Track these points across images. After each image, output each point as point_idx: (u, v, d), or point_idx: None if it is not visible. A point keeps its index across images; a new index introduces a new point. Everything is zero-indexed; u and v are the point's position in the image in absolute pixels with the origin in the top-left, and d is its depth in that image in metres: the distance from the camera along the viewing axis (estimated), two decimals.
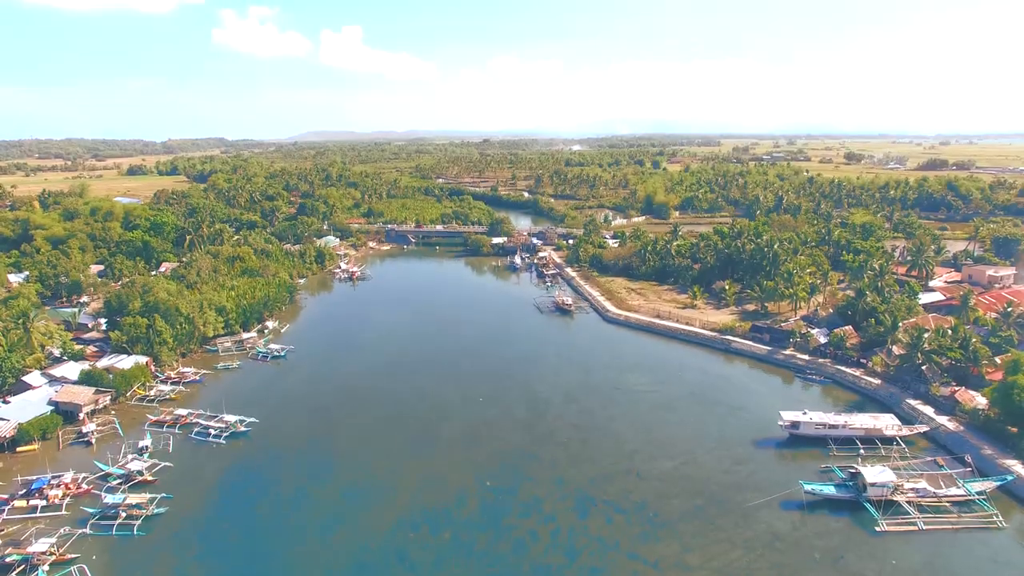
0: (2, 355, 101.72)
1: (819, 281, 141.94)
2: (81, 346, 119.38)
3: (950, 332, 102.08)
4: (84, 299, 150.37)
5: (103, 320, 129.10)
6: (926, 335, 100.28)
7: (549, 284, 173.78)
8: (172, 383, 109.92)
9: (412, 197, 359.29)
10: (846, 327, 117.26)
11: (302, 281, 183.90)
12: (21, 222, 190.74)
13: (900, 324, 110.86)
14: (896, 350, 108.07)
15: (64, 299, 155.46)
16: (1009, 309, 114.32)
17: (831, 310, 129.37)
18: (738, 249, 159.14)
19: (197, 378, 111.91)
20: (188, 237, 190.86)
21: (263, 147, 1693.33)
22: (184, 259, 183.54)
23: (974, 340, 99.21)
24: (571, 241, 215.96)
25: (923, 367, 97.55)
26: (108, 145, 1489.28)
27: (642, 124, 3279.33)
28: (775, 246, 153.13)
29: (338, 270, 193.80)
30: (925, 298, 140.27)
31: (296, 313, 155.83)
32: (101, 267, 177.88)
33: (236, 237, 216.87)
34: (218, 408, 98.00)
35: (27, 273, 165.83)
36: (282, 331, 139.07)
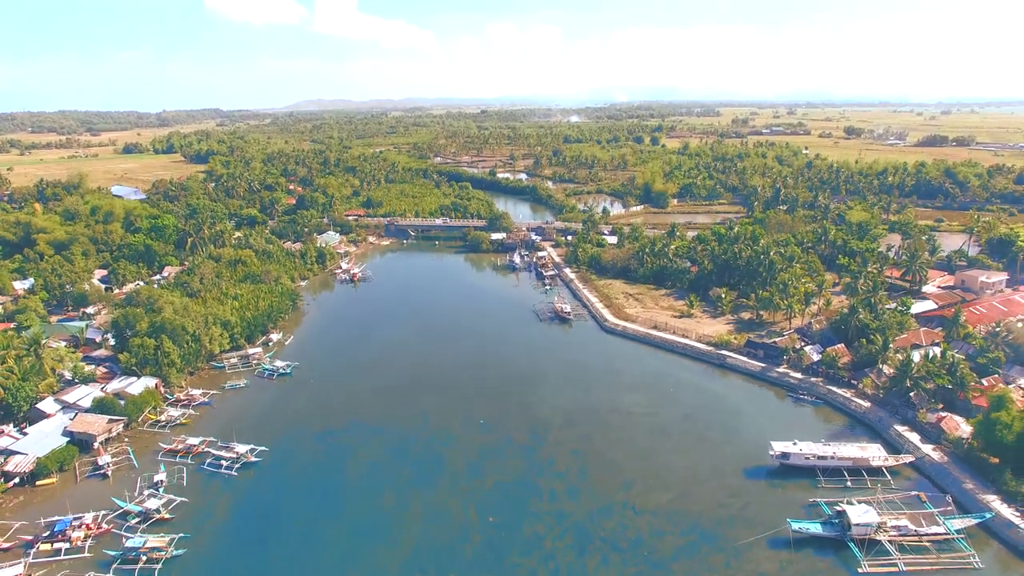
0: (16, 384, 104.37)
1: (814, 290, 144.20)
2: (91, 367, 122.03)
3: (939, 357, 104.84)
4: (90, 310, 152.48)
5: (111, 337, 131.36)
6: (915, 362, 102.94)
7: (548, 287, 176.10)
8: (182, 406, 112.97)
9: (410, 182, 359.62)
10: (838, 346, 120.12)
11: (304, 283, 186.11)
12: (23, 225, 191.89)
13: (891, 344, 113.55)
14: (886, 370, 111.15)
15: (69, 307, 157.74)
16: (997, 329, 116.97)
17: (825, 323, 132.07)
18: (735, 255, 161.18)
19: (206, 400, 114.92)
20: (189, 239, 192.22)
21: (258, 117, 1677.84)
22: (187, 262, 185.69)
23: (961, 366, 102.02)
24: (570, 237, 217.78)
25: (911, 393, 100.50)
26: (102, 118, 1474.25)
27: (641, 91, 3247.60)
28: (771, 253, 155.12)
29: (339, 270, 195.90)
30: (917, 307, 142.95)
31: (299, 320, 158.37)
32: (104, 272, 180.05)
33: (237, 235, 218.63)
34: (228, 435, 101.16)
35: (32, 280, 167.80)
36: (286, 343, 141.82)
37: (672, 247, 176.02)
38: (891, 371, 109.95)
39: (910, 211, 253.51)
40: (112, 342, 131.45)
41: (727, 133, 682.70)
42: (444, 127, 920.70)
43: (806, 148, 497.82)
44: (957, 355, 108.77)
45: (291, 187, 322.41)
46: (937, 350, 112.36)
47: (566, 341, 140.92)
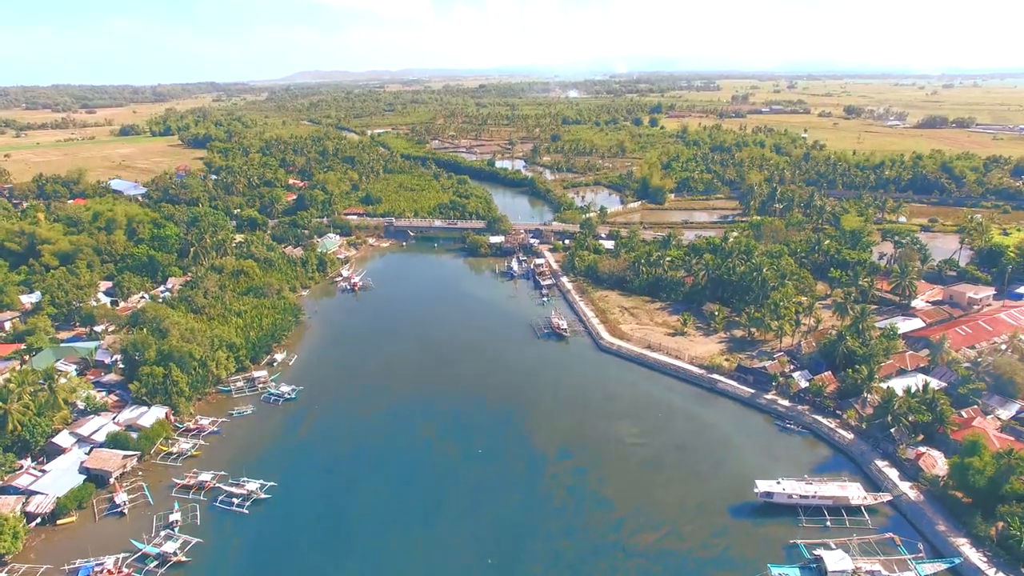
0: (33, 420, 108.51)
1: (804, 309, 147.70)
2: (103, 395, 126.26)
3: (920, 391, 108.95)
4: (99, 328, 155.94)
5: (120, 361, 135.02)
6: (896, 397, 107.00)
7: (545, 297, 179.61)
8: (192, 436, 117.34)
9: (409, 172, 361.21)
10: (825, 373, 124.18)
11: (305, 293, 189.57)
12: (27, 235, 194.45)
13: (876, 375, 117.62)
14: (871, 399, 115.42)
15: (76, 323, 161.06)
16: (979, 360, 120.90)
17: (814, 345, 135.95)
18: (729, 270, 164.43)
19: (216, 429, 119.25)
20: (192, 249, 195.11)
21: (255, 91, 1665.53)
22: (190, 272, 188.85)
23: (940, 402, 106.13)
24: (567, 241, 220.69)
25: (892, 429, 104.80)
26: (97, 92, 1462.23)
27: (640, 61, 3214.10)
28: (764, 270, 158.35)
29: (339, 278, 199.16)
30: (906, 326, 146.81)
31: (302, 334, 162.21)
32: (109, 283, 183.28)
33: (239, 239, 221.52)
34: (238, 468, 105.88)
35: (39, 294, 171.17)
36: (290, 363, 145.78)
37: (667, 259, 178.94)
38: (876, 401, 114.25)
39: (905, 209, 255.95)
40: (122, 365, 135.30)
41: (726, 113, 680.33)
42: (442, 104, 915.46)
43: (805, 132, 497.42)
44: (937, 389, 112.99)
45: (290, 180, 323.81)
46: (920, 381, 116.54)
47: (562, 361, 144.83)
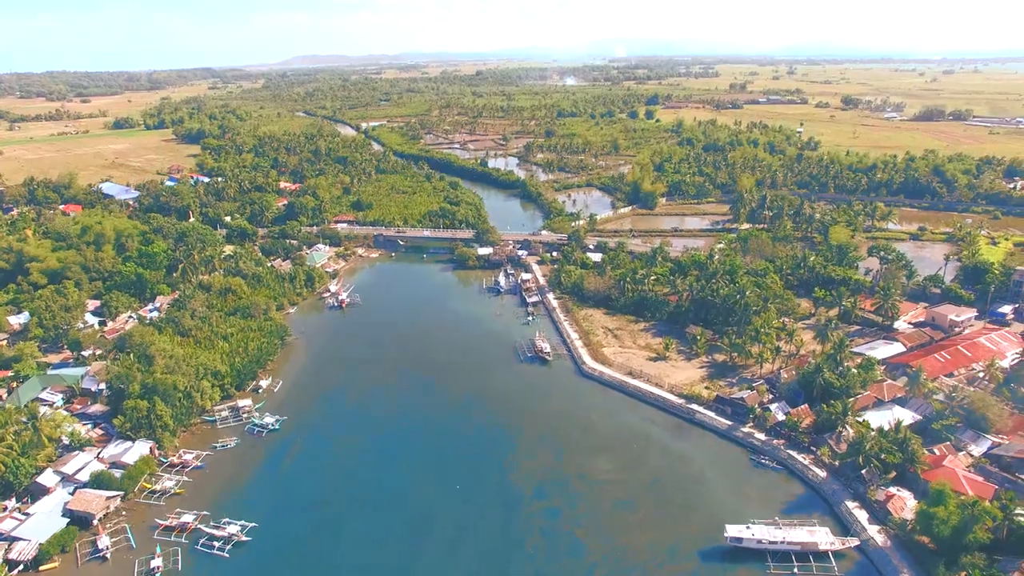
0: (16, 461, 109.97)
1: (787, 332, 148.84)
2: (88, 428, 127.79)
3: (892, 431, 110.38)
4: (86, 352, 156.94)
5: (106, 390, 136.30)
6: (868, 438, 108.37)
7: (531, 315, 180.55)
8: (175, 471, 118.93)
9: (401, 173, 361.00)
10: (802, 407, 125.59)
11: (292, 310, 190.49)
12: (15, 253, 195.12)
13: (850, 410, 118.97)
14: (846, 435, 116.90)
15: (63, 345, 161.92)
16: (954, 395, 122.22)
17: (794, 374, 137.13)
18: (713, 291, 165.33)
19: (199, 464, 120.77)
20: (180, 265, 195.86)
21: (251, 78, 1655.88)
22: (178, 290, 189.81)
23: (912, 442, 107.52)
24: (555, 254, 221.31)
25: (863, 470, 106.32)
26: (92, 80, 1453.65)
27: (640, 44, 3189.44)
28: (747, 293, 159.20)
29: (327, 294, 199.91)
30: (886, 351, 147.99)
31: (289, 356, 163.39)
32: (97, 302, 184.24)
33: (227, 250, 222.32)
34: (220, 506, 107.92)
35: (27, 314, 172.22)
36: (275, 389, 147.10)
37: (652, 277, 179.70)
38: (850, 436, 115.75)
39: (895, 215, 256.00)
40: (107, 393, 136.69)
41: (723, 104, 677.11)
42: (439, 93, 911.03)
43: (800, 127, 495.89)
44: (910, 425, 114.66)
45: (282, 184, 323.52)
46: (895, 416, 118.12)
47: (544, 388, 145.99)
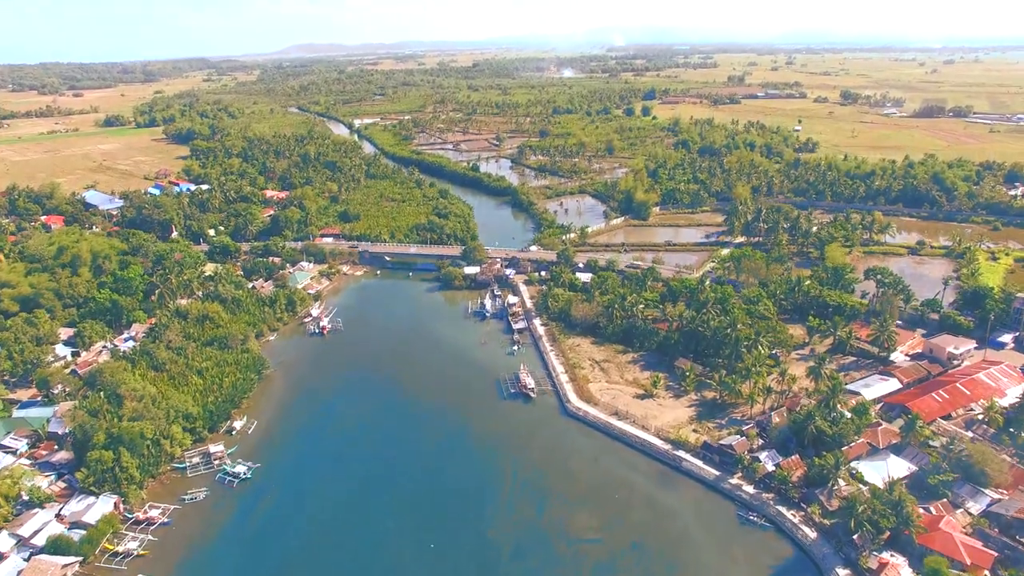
0: None
1: (780, 371, 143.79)
2: (50, 479, 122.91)
3: (887, 489, 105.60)
4: (56, 389, 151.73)
5: (70, 437, 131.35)
6: (861, 501, 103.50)
7: (516, 344, 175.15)
8: (141, 527, 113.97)
9: (391, 178, 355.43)
10: (793, 457, 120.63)
11: (272, 337, 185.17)
12: None
13: (843, 464, 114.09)
14: (838, 490, 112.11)
15: (32, 380, 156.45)
16: (951, 447, 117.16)
17: (785, 417, 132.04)
18: (703, 322, 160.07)
19: (166, 520, 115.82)
20: (157, 291, 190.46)
21: (246, 68, 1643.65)
22: (154, 316, 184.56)
23: (907, 503, 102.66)
24: (543, 273, 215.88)
25: (855, 535, 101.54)
26: (85, 71, 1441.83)
27: (639, 32, 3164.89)
28: (739, 326, 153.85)
29: (309, 319, 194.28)
30: (881, 388, 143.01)
31: (265, 390, 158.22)
32: (71, 331, 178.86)
33: (209, 270, 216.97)
34: (185, 569, 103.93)
35: None
36: (249, 431, 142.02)
37: (640, 305, 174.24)
38: (842, 492, 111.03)
39: (893, 228, 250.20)
40: (72, 438, 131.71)
41: (720, 99, 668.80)
42: (434, 88, 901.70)
43: (798, 125, 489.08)
44: (905, 479, 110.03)
45: (268, 192, 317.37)
46: (889, 469, 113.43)
47: (527, 429, 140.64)
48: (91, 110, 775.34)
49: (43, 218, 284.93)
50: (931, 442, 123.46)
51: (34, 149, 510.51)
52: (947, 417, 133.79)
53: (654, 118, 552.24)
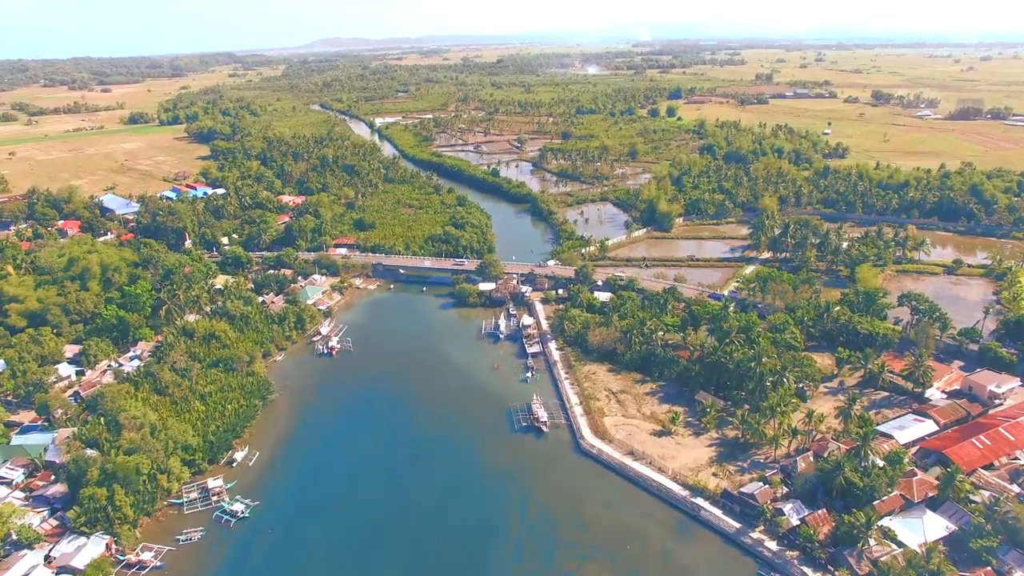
0: None
1: (805, 415, 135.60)
2: (42, 515, 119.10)
3: (923, 558, 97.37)
4: (57, 413, 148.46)
5: (64, 471, 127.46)
6: (896, 568, 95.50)
7: (530, 370, 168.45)
8: (132, 571, 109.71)
9: (410, 182, 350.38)
10: (820, 512, 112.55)
11: (279, 357, 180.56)
12: None
13: (874, 521, 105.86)
14: (869, 551, 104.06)
15: (34, 402, 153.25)
16: (995, 507, 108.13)
17: (812, 462, 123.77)
18: (726, 353, 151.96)
19: (159, 563, 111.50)
20: (164, 307, 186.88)
21: (272, 63, 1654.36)
22: (161, 334, 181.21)
23: (947, 574, 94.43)
24: (560, 291, 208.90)
25: None
26: (115, 66, 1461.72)
27: (664, 27, 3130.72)
28: (764, 360, 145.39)
29: (318, 337, 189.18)
30: (916, 431, 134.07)
31: (270, 416, 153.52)
32: (77, 348, 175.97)
33: (219, 282, 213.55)
34: None
35: (2, 362, 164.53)
36: (250, 463, 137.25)
37: (660, 332, 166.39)
38: (872, 554, 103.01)
39: (928, 245, 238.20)
40: (67, 472, 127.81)
41: (747, 99, 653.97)
42: (457, 84, 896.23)
43: (828, 127, 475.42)
44: (943, 541, 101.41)
45: (284, 198, 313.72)
46: (925, 531, 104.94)
47: (538, 467, 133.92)
48: (117, 106, 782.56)
49: (60, 223, 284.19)
50: (972, 497, 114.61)
51: (59, 147, 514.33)
52: (989, 467, 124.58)
53: (679, 119, 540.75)
